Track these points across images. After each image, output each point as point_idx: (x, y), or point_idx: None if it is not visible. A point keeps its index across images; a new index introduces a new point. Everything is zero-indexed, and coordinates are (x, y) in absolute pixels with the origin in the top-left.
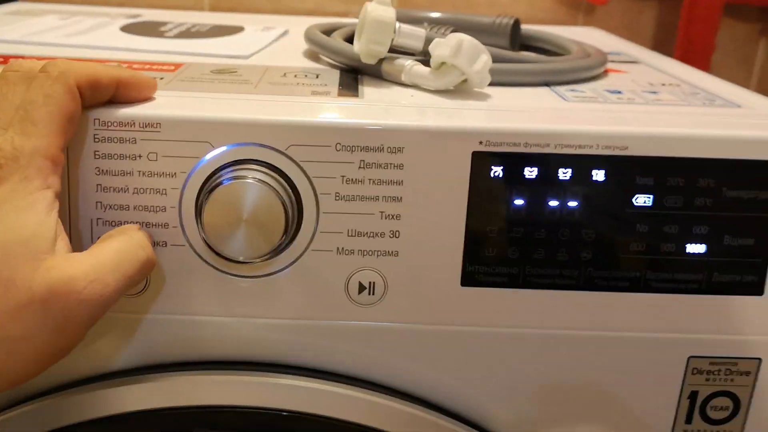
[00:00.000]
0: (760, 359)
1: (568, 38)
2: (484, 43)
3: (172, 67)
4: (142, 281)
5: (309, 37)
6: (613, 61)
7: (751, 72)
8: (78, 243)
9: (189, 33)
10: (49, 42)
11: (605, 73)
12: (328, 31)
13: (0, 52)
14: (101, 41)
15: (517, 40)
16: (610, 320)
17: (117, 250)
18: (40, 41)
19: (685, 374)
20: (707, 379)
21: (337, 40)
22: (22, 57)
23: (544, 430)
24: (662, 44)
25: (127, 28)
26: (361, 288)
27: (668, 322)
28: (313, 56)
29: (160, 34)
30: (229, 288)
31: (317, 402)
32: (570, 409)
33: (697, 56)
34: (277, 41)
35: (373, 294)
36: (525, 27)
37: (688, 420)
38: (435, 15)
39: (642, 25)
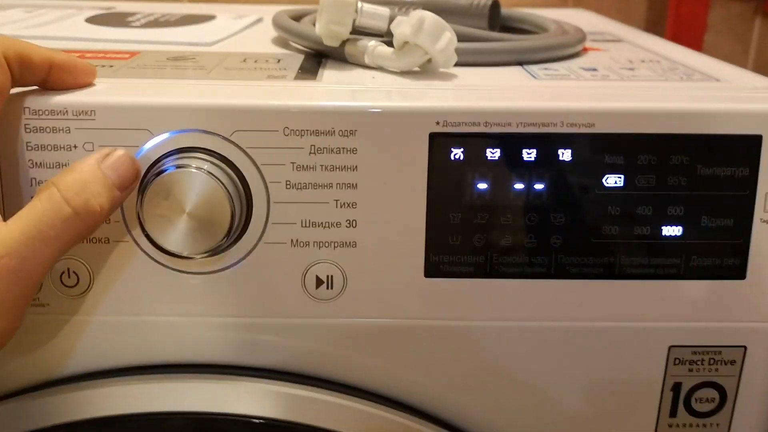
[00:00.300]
0: (745, 347)
1: (548, 18)
2: (462, 25)
3: (127, 56)
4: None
5: (275, 22)
6: (595, 41)
7: (747, 51)
8: None
9: (156, 23)
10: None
11: (584, 51)
12: (298, 17)
13: None
14: (61, 32)
15: (497, 22)
16: (584, 310)
17: (26, 218)
18: None
19: (666, 365)
20: (690, 370)
21: (301, 24)
22: None
23: (515, 426)
24: (655, 24)
25: (92, 20)
26: (319, 282)
27: (646, 310)
28: (281, 42)
29: (126, 24)
30: (177, 286)
31: (275, 406)
32: (545, 406)
33: (689, 35)
34: (247, 29)
35: (332, 288)
36: (505, 9)
37: (673, 413)
38: None
39: (633, 6)
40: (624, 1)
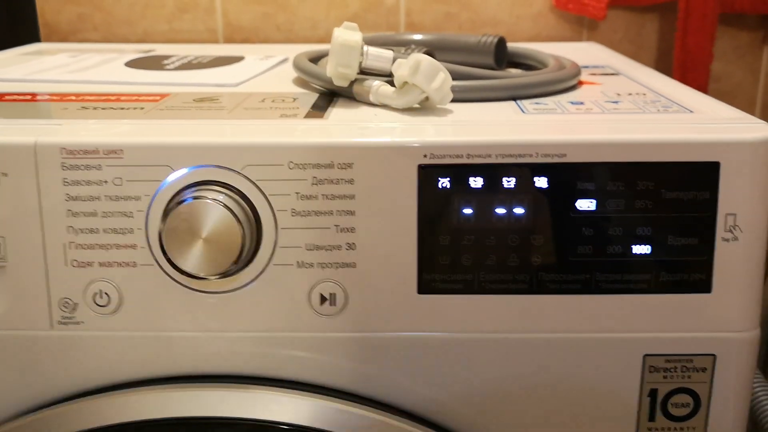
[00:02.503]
0: (714, 355)
1: (549, 54)
2: (470, 63)
3: (158, 98)
4: None
5: (295, 64)
6: (593, 74)
7: (757, 80)
8: (53, 266)
9: (189, 65)
10: (48, 79)
11: (579, 84)
12: (317, 58)
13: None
14: (100, 76)
15: (504, 58)
16: (564, 322)
17: None
18: (39, 78)
19: (642, 372)
20: (665, 377)
21: (316, 66)
22: (18, 94)
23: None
24: (665, 55)
25: (131, 63)
26: (323, 299)
27: (621, 322)
28: (300, 82)
29: (162, 67)
30: (197, 304)
31: (286, 411)
32: (531, 413)
33: (695, 66)
34: (272, 69)
35: (335, 305)
36: (511, 45)
37: (651, 418)
38: (419, 37)
39: (645, 37)
40: (636, 33)
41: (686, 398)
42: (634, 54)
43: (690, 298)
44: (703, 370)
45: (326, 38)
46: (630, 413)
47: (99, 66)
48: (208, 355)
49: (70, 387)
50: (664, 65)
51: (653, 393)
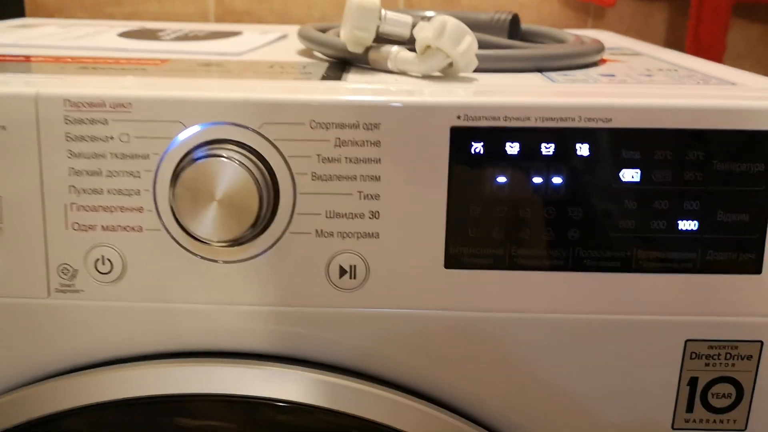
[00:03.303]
0: (761, 342)
1: (567, 32)
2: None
3: (159, 62)
4: None
5: (301, 34)
6: (614, 54)
7: (767, 72)
8: (53, 229)
9: (186, 37)
10: (41, 44)
11: (602, 62)
12: (323, 30)
13: None
14: (95, 44)
15: (518, 37)
16: (601, 303)
17: None
18: (31, 44)
19: (683, 359)
20: (707, 364)
21: (327, 35)
22: (11, 56)
23: (534, 422)
24: (673, 45)
25: (124, 34)
26: (342, 272)
27: (662, 304)
28: (307, 54)
29: (157, 38)
30: (207, 274)
31: (299, 390)
32: (561, 399)
33: (708, 56)
34: (273, 43)
35: (355, 278)
36: (525, 25)
37: (689, 408)
38: (430, 14)
39: (652, 27)
40: (643, 23)
41: (728, 388)
42: None
43: (738, 280)
44: (749, 357)
45: (322, 20)
46: (667, 403)
47: (91, 36)
48: (216, 329)
49: (66, 360)
50: None
51: (693, 381)
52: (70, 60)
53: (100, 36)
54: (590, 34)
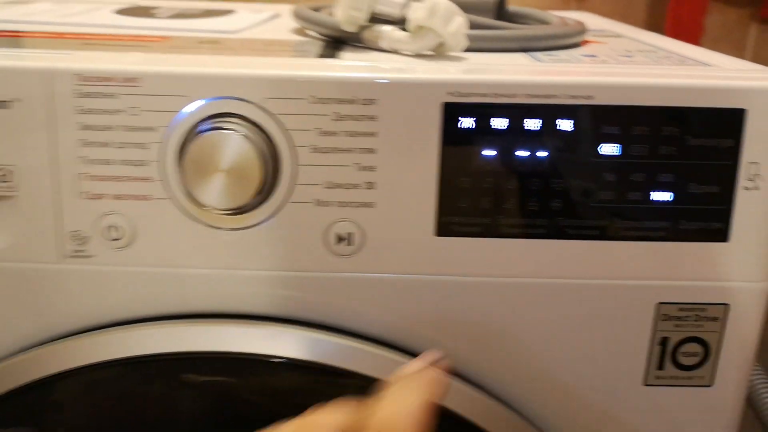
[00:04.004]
0: (727, 305)
1: (551, 14)
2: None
3: (159, 40)
4: None
5: (295, 13)
6: (596, 36)
7: (743, 57)
8: (65, 197)
9: (181, 15)
10: (41, 21)
11: (584, 44)
12: (316, 9)
13: None
14: (91, 21)
15: (504, 18)
16: (580, 268)
17: None
18: (27, 20)
19: (655, 320)
20: (677, 325)
21: (318, 13)
22: (8, 31)
23: (518, 380)
24: (654, 28)
25: (119, 12)
26: (340, 239)
27: (637, 270)
28: (300, 33)
29: (152, 16)
30: (211, 241)
31: (297, 348)
32: (543, 357)
33: (686, 38)
34: (267, 22)
35: (352, 245)
36: (510, 7)
37: (660, 366)
38: None
39: (634, 9)
40: (625, 5)
41: (696, 347)
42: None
43: (707, 247)
44: (715, 319)
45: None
46: (639, 361)
47: (87, 13)
48: (221, 293)
49: (78, 322)
50: None
51: (664, 341)
52: (72, 36)
53: (96, 13)
54: (573, 17)
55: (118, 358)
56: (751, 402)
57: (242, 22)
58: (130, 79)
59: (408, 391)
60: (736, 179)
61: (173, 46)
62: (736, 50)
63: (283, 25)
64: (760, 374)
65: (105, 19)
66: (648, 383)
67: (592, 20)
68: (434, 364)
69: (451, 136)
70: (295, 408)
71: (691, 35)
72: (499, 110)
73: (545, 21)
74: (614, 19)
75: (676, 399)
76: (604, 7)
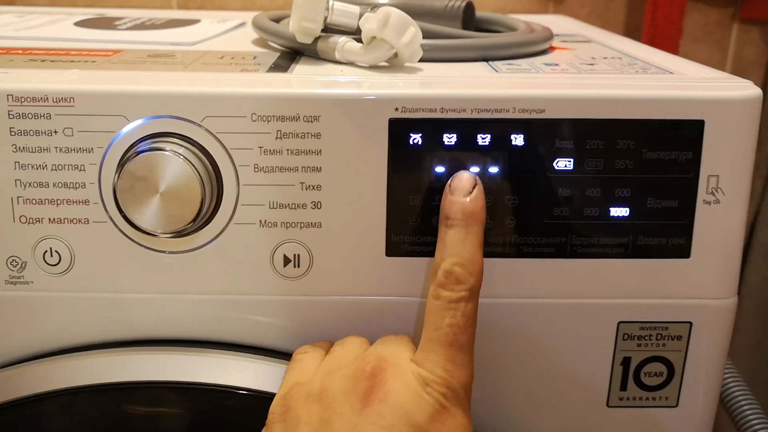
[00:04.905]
0: (690, 323)
1: (520, 20)
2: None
3: (110, 53)
4: None
5: (254, 23)
6: (565, 41)
7: (725, 57)
8: (0, 222)
9: (142, 26)
10: None
11: (551, 50)
12: (278, 19)
13: None
14: (49, 34)
15: (472, 24)
16: (538, 287)
17: None
18: None
19: (616, 340)
20: (639, 345)
21: (276, 24)
22: None
23: (474, 401)
24: (633, 30)
25: (80, 23)
26: (287, 261)
27: (595, 288)
28: (261, 43)
29: (113, 27)
30: (153, 264)
31: (244, 377)
32: (500, 380)
33: (665, 40)
34: (230, 32)
35: (299, 267)
36: (478, 12)
37: (623, 387)
38: (383, 0)
39: (612, 11)
40: (604, 7)
41: (660, 367)
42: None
43: (668, 264)
44: (679, 338)
45: (286, 7)
46: (602, 382)
47: (47, 25)
48: (164, 318)
49: (18, 351)
50: None
51: (626, 361)
52: (21, 52)
53: (56, 25)
54: (549, 20)
55: (60, 388)
56: (722, 400)
57: (203, 32)
58: (64, 99)
59: None
60: (696, 193)
61: (119, 61)
62: (718, 50)
63: (245, 35)
64: (731, 371)
65: (62, 32)
66: (611, 404)
67: (566, 24)
68: None
69: (399, 153)
70: None
71: (669, 37)
72: (449, 126)
73: (513, 28)
74: (593, 21)
75: (640, 421)
76: (583, 9)
